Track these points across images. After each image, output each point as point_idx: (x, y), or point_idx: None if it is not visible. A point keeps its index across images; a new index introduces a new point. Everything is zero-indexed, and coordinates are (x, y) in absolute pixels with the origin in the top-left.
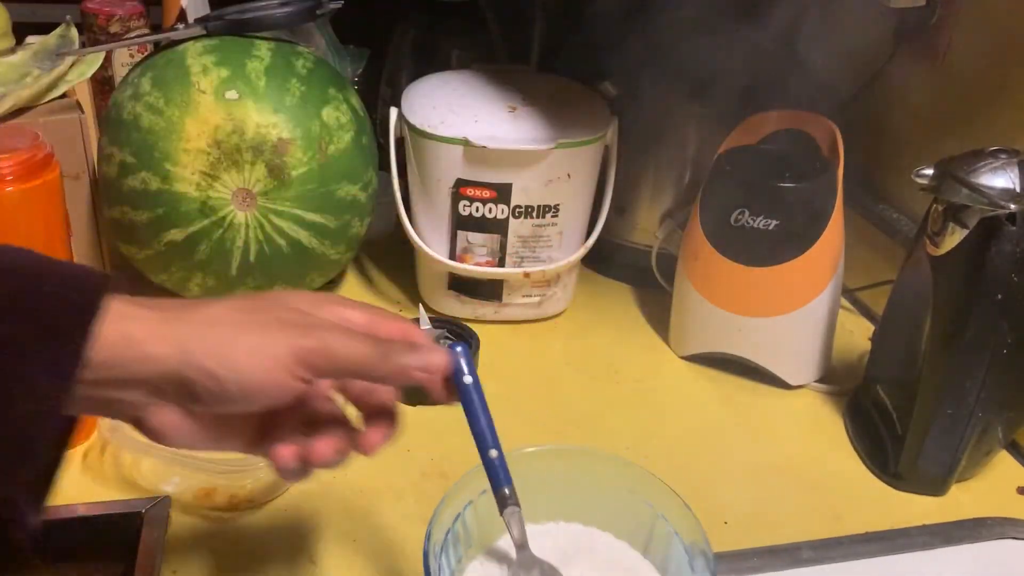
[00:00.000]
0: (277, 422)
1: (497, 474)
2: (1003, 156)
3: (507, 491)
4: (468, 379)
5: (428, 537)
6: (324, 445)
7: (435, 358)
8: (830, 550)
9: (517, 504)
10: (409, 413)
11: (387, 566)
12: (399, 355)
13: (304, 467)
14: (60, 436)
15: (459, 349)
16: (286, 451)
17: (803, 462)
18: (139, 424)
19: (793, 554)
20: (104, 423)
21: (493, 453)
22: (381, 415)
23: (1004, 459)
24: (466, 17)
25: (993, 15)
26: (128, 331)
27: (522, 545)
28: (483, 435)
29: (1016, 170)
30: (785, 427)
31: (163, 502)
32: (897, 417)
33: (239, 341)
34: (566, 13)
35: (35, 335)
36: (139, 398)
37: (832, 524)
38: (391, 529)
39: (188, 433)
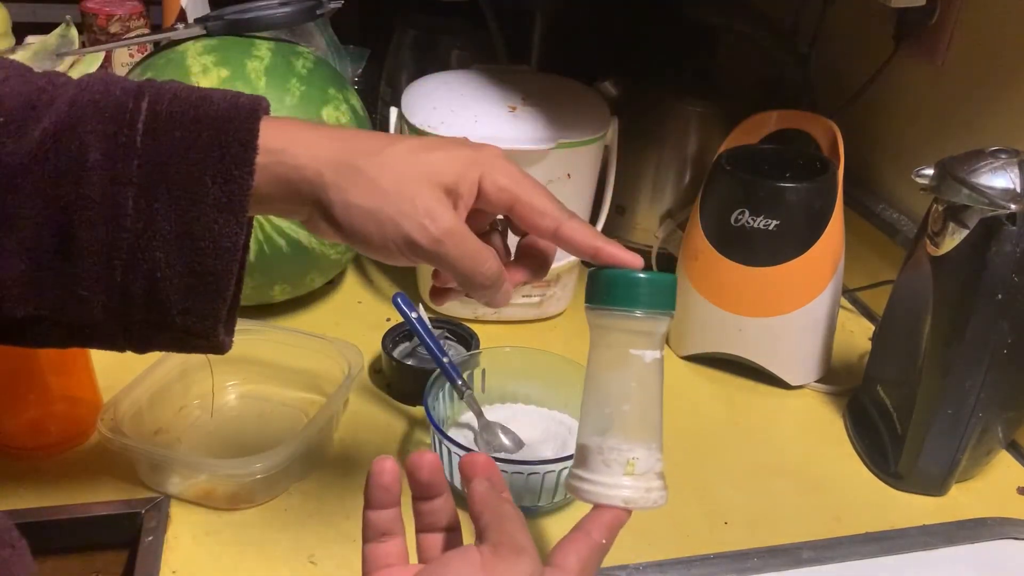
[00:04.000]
0: None
1: (451, 374)
2: (1003, 156)
3: (460, 383)
4: (414, 314)
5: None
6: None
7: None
8: (830, 550)
9: (470, 388)
10: (410, 415)
11: None
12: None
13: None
14: (239, 270)
15: (397, 297)
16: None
17: (803, 462)
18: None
19: (793, 554)
20: (104, 422)
21: (445, 360)
22: (533, 258)
23: (1004, 459)
24: (466, 17)
25: (993, 15)
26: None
27: (480, 414)
28: (434, 351)
29: (1016, 170)
30: (785, 427)
31: (163, 502)
32: (897, 417)
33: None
34: (566, 13)
35: (208, 144)
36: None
37: (832, 524)
38: None
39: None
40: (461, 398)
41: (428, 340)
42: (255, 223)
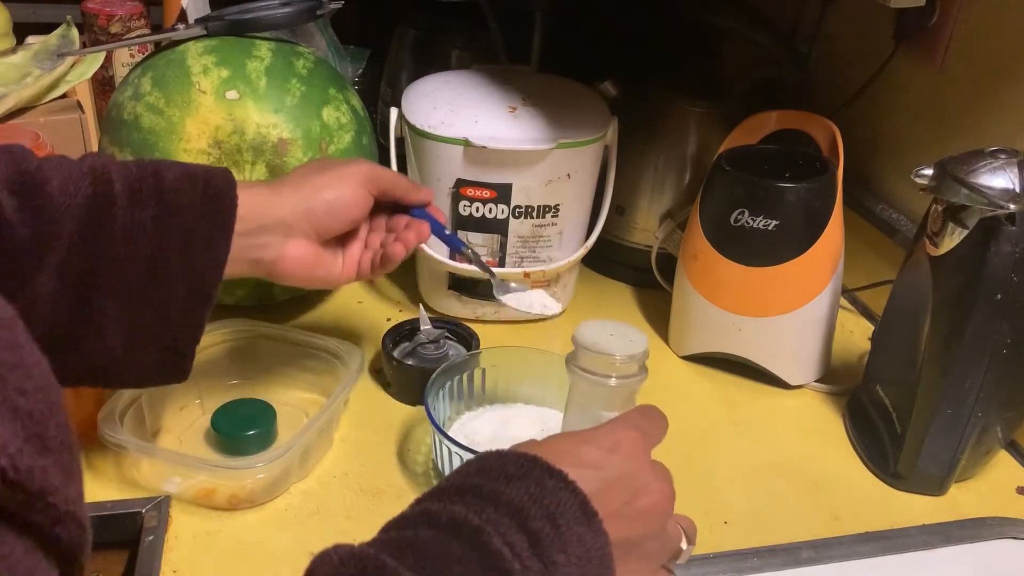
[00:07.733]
0: (351, 251)
1: (456, 244)
2: (1003, 156)
3: (465, 248)
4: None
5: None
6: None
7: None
8: (830, 550)
9: (476, 253)
10: (410, 415)
11: None
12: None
13: (374, 263)
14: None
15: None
16: (364, 254)
17: (803, 462)
18: (273, 268)
19: (793, 554)
20: (104, 422)
21: (467, 249)
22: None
23: (1004, 459)
24: (466, 17)
25: (993, 15)
26: (258, 193)
27: (492, 274)
28: (452, 240)
29: (1016, 170)
30: (785, 427)
31: (163, 502)
32: (897, 417)
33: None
34: (566, 13)
35: (202, 201)
36: (276, 239)
37: (832, 524)
38: None
39: (308, 265)
40: (470, 262)
41: (446, 236)
42: None
